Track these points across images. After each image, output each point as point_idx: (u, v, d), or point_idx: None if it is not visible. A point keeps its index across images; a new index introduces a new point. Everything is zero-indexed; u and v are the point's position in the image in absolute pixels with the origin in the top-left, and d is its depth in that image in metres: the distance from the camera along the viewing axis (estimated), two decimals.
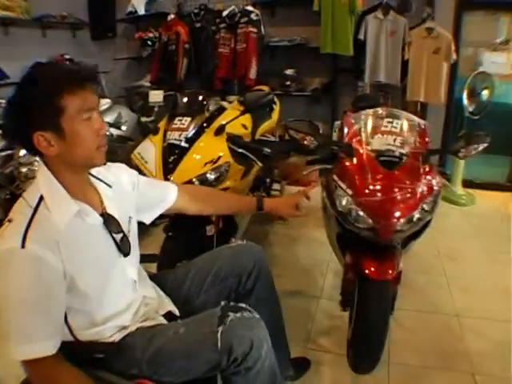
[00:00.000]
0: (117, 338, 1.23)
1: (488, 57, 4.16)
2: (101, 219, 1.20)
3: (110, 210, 1.25)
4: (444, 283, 2.76)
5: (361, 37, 4.03)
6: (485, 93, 3.92)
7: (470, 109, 3.96)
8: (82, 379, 1.08)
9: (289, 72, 4.57)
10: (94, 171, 1.25)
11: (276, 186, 3.67)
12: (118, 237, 1.24)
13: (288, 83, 4.57)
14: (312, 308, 2.52)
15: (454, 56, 3.85)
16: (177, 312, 1.43)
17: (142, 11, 5.03)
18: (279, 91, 4.48)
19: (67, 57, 4.75)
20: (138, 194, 1.43)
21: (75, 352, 1.14)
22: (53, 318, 1.07)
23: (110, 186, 1.30)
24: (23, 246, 1.00)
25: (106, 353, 1.18)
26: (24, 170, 2.78)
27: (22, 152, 2.79)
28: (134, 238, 1.35)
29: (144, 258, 1.49)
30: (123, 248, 1.25)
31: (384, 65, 4.05)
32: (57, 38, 4.82)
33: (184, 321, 1.36)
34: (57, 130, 1.06)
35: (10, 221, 1.06)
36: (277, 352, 1.54)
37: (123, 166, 1.46)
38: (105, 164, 1.22)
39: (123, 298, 1.26)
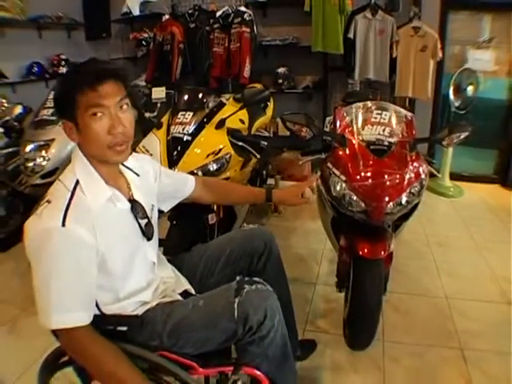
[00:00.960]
0: (139, 312, 1.32)
1: (472, 54, 4.31)
2: (129, 205, 1.30)
3: (137, 197, 1.34)
4: (433, 268, 2.89)
5: (350, 36, 4.12)
6: (470, 89, 4.06)
7: (456, 104, 4.09)
8: (112, 350, 1.16)
9: (281, 70, 4.67)
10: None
11: (270, 181, 3.78)
12: (143, 222, 1.34)
13: (280, 81, 4.67)
14: (309, 293, 2.63)
15: (440, 54, 3.95)
16: (192, 291, 1.52)
17: (136, 12, 5.10)
18: (272, 89, 4.54)
19: (63, 57, 4.86)
20: (159, 184, 1.53)
21: (102, 324, 1.23)
22: (87, 291, 1.16)
23: (137, 175, 1.39)
24: (63, 225, 1.08)
25: (129, 326, 1.27)
26: (30, 164, 2.83)
27: (29, 147, 2.85)
28: (155, 224, 1.43)
29: (162, 242, 1.62)
30: (147, 232, 1.35)
31: (373, 62, 4.16)
32: (52, 39, 4.90)
33: (202, 295, 1.45)
34: (74, 121, 1.16)
35: (48, 202, 1.14)
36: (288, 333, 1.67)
37: (147, 157, 1.58)
38: (125, 160, 1.30)
39: (144, 277, 1.36)
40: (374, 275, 1.88)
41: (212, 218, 2.28)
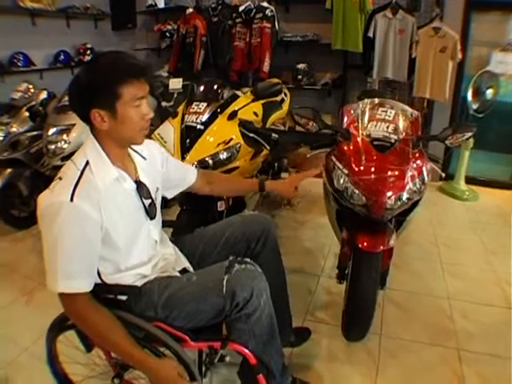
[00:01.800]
0: (138, 284, 1.42)
1: (496, 57, 4.23)
2: (134, 185, 1.41)
3: (143, 179, 1.45)
4: (439, 269, 2.91)
5: (370, 34, 4.13)
6: (489, 92, 3.99)
7: (475, 107, 4.04)
8: (108, 317, 1.26)
9: (301, 66, 4.71)
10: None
11: (284, 175, 3.82)
12: (147, 202, 1.45)
13: (300, 77, 4.72)
14: (312, 285, 2.69)
15: (460, 55, 3.92)
16: (191, 269, 1.61)
17: (161, 4, 5.24)
18: (291, 85, 4.65)
19: (88, 46, 5.01)
20: (165, 170, 1.63)
21: (103, 292, 1.35)
22: (90, 261, 1.27)
23: (144, 159, 1.50)
24: (71, 200, 1.19)
25: (128, 295, 1.38)
26: (52, 147, 2.98)
27: (51, 131, 3.00)
28: (158, 205, 1.54)
29: (164, 223, 1.69)
30: (150, 212, 1.45)
31: (392, 62, 4.16)
32: (79, 28, 5.05)
33: (197, 271, 1.56)
34: (111, 110, 1.26)
35: (60, 178, 1.25)
36: (280, 317, 1.69)
37: (156, 143, 1.68)
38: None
39: (145, 252, 1.46)
40: (370, 268, 1.93)
41: (221, 206, 2.36)
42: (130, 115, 1.28)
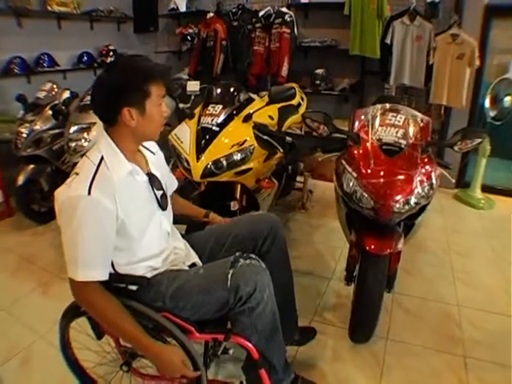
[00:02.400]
0: (148, 275, 1.48)
1: None
2: (146, 178, 1.49)
3: (154, 172, 1.54)
4: (450, 276, 2.90)
5: (387, 41, 4.14)
6: (508, 99, 3.93)
7: (492, 114, 3.99)
8: (116, 304, 1.33)
9: (319, 71, 4.73)
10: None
11: (300, 179, 3.86)
12: (159, 193, 1.53)
13: (318, 82, 4.74)
14: (322, 287, 2.73)
15: (478, 62, 3.90)
16: (200, 264, 1.67)
17: (183, 8, 5.32)
18: (309, 89, 4.68)
19: (111, 48, 5.12)
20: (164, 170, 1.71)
21: (115, 282, 1.42)
22: (107, 252, 1.35)
23: (153, 154, 1.61)
24: (89, 194, 1.26)
25: (138, 285, 1.45)
26: (73, 144, 3.08)
27: (73, 129, 3.09)
28: (169, 198, 1.62)
29: (177, 220, 1.76)
30: (162, 203, 1.53)
31: (409, 68, 4.15)
32: (103, 31, 5.17)
33: (204, 265, 1.62)
34: (141, 108, 1.36)
35: (77, 174, 1.33)
36: (285, 315, 1.74)
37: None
38: None
39: (157, 244, 1.52)
40: (377, 270, 1.96)
41: (234, 205, 2.41)
42: (155, 112, 1.39)
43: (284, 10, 4.53)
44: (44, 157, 3.45)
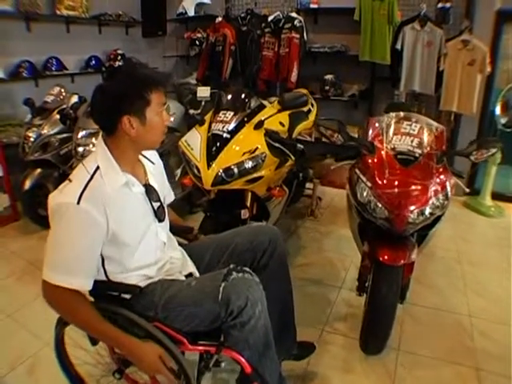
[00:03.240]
0: (142, 284, 1.46)
1: None
2: (143, 189, 1.47)
3: (152, 183, 1.52)
4: (461, 286, 2.86)
5: (398, 47, 4.12)
6: None
7: (503, 121, 3.96)
8: (85, 304, 1.32)
9: (328, 77, 4.71)
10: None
11: (309, 185, 3.84)
12: (156, 205, 1.51)
13: (327, 88, 4.72)
14: (332, 296, 2.69)
15: (489, 68, 3.86)
16: (197, 274, 1.64)
17: (191, 13, 5.31)
18: (319, 95, 4.67)
19: (119, 52, 5.09)
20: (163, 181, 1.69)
21: (108, 290, 1.42)
22: (90, 263, 1.33)
23: (153, 163, 1.59)
24: (78, 203, 1.25)
25: (131, 294, 1.43)
26: (81, 149, 3.06)
27: (81, 134, 3.08)
28: (166, 208, 1.60)
29: (179, 228, 1.77)
30: (159, 214, 1.51)
31: (419, 75, 4.13)
32: (111, 35, 5.16)
33: (198, 277, 1.61)
34: (141, 116, 1.34)
35: (70, 180, 1.32)
36: (283, 329, 1.74)
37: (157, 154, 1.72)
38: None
39: (153, 254, 1.50)
40: (391, 281, 1.93)
41: (244, 214, 2.38)
42: (155, 120, 1.37)
43: (293, 15, 4.51)
44: (51, 161, 3.45)
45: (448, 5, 3.92)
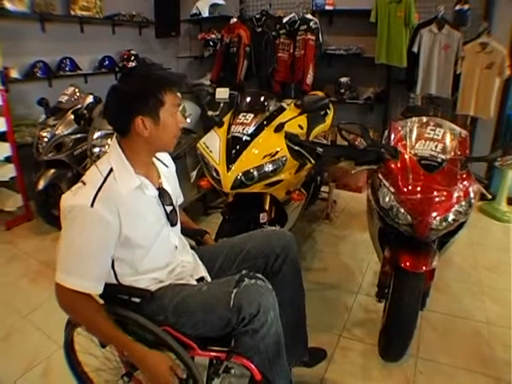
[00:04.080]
0: (152, 288, 1.45)
1: None
2: (157, 192, 1.45)
3: (165, 186, 1.51)
4: (478, 293, 2.82)
5: (414, 49, 4.08)
6: None
7: None
8: (98, 309, 1.31)
9: (344, 80, 4.68)
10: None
11: (325, 188, 3.82)
12: (169, 209, 1.49)
13: (342, 90, 4.69)
14: (349, 301, 2.66)
15: (508, 71, 3.80)
16: (209, 279, 1.63)
17: (205, 13, 5.30)
18: (333, 98, 4.61)
19: (133, 52, 5.10)
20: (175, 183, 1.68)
21: (118, 293, 1.41)
22: (102, 265, 1.32)
23: (166, 166, 1.58)
24: (92, 206, 1.24)
25: (141, 298, 1.42)
26: (96, 150, 3.05)
27: (96, 134, 3.06)
28: (178, 212, 1.59)
29: (191, 231, 1.76)
30: (171, 218, 1.50)
31: (436, 78, 4.09)
32: (124, 35, 5.17)
33: (209, 282, 1.59)
34: (155, 117, 1.33)
35: (83, 183, 1.31)
36: (295, 336, 1.71)
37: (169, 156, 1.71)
38: None
39: (164, 258, 1.49)
40: (413, 288, 1.90)
41: (263, 218, 2.36)
42: (169, 122, 1.35)
43: (309, 16, 4.48)
44: (65, 161, 3.45)
45: (466, 7, 3.87)
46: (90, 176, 1.34)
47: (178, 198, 1.67)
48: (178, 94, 1.37)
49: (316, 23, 4.42)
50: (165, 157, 1.60)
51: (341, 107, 4.30)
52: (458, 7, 3.91)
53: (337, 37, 4.72)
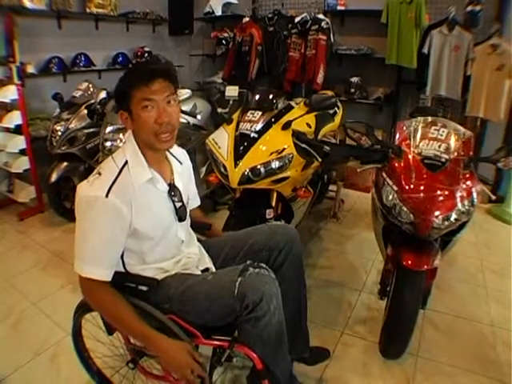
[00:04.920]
0: (158, 277, 1.49)
1: None
2: (167, 188, 1.49)
3: (177, 183, 1.54)
4: (483, 294, 2.82)
5: (425, 51, 4.08)
6: None
7: None
8: (121, 302, 1.36)
9: (354, 80, 4.69)
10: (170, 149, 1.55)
11: (332, 187, 3.84)
12: (178, 205, 1.53)
13: (352, 90, 4.70)
14: (353, 299, 2.69)
15: None
16: (214, 270, 1.67)
17: (218, 12, 5.34)
18: (344, 97, 4.64)
19: (146, 49, 5.18)
20: (190, 183, 1.72)
21: (125, 281, 1.46)
22: (115, 254, 1.38)
23: (180, 163, 1.61)
24: (107, 196, 1.29)
25: (148, 286, 1.46)
26: (108, 144, 3.11)
27: (108, 129, 3.12)
28: (188, 208, 1.62)
29: (198, 225, 1.79)
30: (180, 214, 1.53)
31: (446, 79, 4.08)
32: (138, 32, 5.26)
33: (214, 271, 1.63)
34: (128, 111, 1.38)
35: (99, 174, 1.36)
36: (295, 330, 1.74)
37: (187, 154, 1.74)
38: (170, 148, 1.51)
39: (170, 251, 1.54)
40: (414, 286, 1.92)
41: (269, 214, 2.38)
42: (140, 116, 1.36)
43: (321, 16, 4.50)
44: (77, 155, 3.51)
45: (478, 8, 3.84)
46: (106, 167, 1.39)
47: (191, 199, 1.71)
48: (153, 88, 1.34)
49: (327, 23, 4.44)
50: (181, 154, 1.64)
51: (351, 107, 4.32)
52: (469, 8, 3.87)
53: (348, 37, 4.73)
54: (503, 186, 4.30)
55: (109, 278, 1.36)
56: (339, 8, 4.61)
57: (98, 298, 1.37)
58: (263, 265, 1.49)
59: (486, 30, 3.94)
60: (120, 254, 1.40)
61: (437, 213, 1.82)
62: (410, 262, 1.89)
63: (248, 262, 1.48)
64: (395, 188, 1.92)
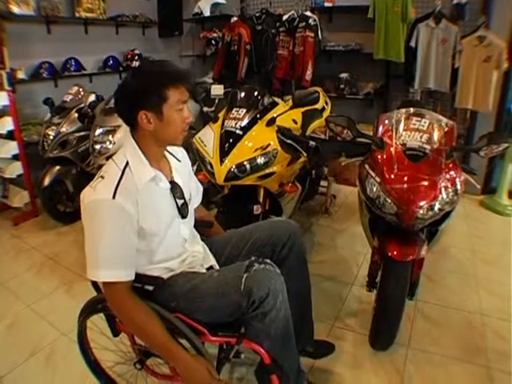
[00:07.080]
0: (164, 277, 1.50)
1: None
2: (169, 185, 1.51)
3: (177, 180, 1.55)
4: (473, 284, 2.84)
5: (412, 44, 4.09)
6: None
7: None
8: (146, 309, 1.36)
9: (343, 76, 4.69)
10: (168, 147, 1.56)
11: (324, 183, 3.85)
12: (180, 202, 1.54)
13: (342, 86, 4.70)
14: (344, 292, 2.71)
15: (506, 64, 3.80)
16: (217, 267, 1.68)
17: (207, 13, 5.35)
18: (333, 94, 4.66)
19: (136, 52, 5.21)
20: (190, 180, 1.73)
21: (133, 281, 1.44)
22: (129, 252, 1.37)
23: (179, 161, 1.62)
24: (113, 198, 1.29)
25: (154, 285, 1.47)
26: (98, 146, 3.14)
27: (98, 131, 3.15)
28: (191, 206, 1.63)
29: (201, 223, 1.80)
30: (182, 211, 1.54)
31: (434, 72, 4.09)
32: (128, 35, 5.26)
33: (220, 268, 1.64)
34: (158, 112, 1.37)
35: (102, 177, 1.36)
36: (300, 324, 1.73)
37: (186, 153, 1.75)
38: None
39: (175, 249, 1.54)
40: (399, 277, 1.94)
41: (257, 209, 2.41)
42: (174, 117, 1.38)
43: (308, 13, 4.51)
44: (69, 158, 3.53)
45: (464, 1, 3.85)
46: (108, 170, 1.39)
47: (193, 196, 1.72)
48: (185, 90, 1.40)
49: (315, 20, 4.45)
50: (178, 151, 1.65)
51: (341, 103, 4.35)
52: (455, 1, 3.89)
53: (336, 33, 4.74)
54: (495, 177, 4.32)
55: (130, 278, 1.36)
56: (326, 5, 4.60)
57: (123, 305, 1.35)
58: (268, 260, 1.51)
59: (473, 22, 3.95)
60: (134, 253, 1.39)
61: (420, 203, 1.82)
62: (395, 253, 1.91)
63: (253, 258, 1.50)
64: (378, 179, 1.93)
